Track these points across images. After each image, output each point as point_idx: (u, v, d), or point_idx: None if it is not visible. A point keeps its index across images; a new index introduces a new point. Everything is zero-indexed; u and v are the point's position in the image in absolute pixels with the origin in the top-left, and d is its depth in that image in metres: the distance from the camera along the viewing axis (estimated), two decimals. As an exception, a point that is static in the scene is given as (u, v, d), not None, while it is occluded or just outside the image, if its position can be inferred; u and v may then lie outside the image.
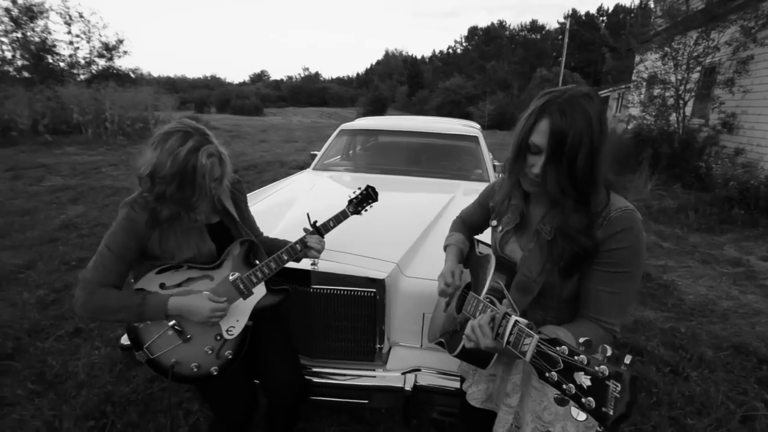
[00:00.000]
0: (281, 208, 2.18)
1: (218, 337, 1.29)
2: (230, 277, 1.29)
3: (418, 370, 1.58)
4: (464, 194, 2.62)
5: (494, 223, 1.18)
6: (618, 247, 0.90)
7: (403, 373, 1.57)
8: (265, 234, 1.61)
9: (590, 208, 0.91)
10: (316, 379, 1.59)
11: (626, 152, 7.98)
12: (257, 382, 1.51)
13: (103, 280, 1.17)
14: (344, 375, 1.60)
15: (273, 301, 1.37)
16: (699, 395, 2.21)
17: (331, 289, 1.59)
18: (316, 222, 1.49)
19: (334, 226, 1.53)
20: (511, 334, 0.80)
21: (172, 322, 1.22)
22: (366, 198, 1.63)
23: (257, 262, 1.35)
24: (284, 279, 1.50)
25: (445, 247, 1.32)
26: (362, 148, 4.09)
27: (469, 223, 1.37)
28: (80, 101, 12.27)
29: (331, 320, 1.63)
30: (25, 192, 6.14)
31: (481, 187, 2.82)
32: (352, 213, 1.59)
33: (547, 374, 0.70)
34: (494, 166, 3.22)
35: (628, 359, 0.63)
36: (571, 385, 0.65)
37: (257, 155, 10.57)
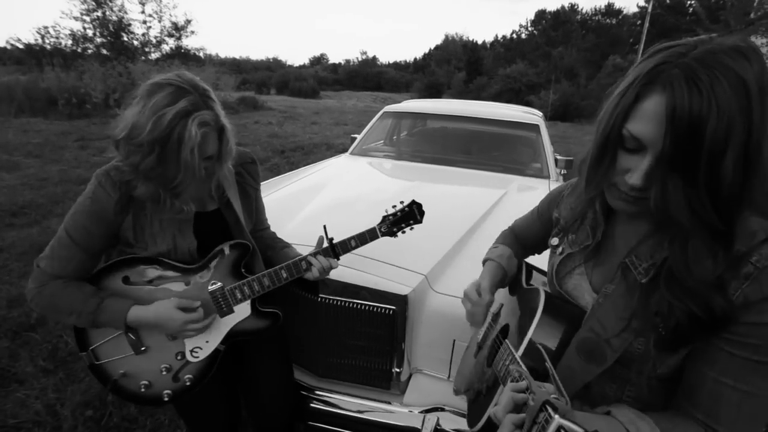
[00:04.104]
0: (302, 199, 1.93)
1: (179, 357, 1.06)
2: (209, 287, 1.04)
3: (442, 409, 1.28)
4: (518, 191, 2.25)
5: (555, 241, 0.82)
6: None
7: (423, 412, 1.27)
8: (272, 228, 1.36)
9: (733, 246, 0.54)
10: (317, 405, 1.34)
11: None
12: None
13: (58, 271, 0.96)
14: (351, 403, 1.34)
15: (256, 326, 1.12)
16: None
17: (342, 301, 1.32)
18: (332, 239, 1.18)
19: (356, 246, 1.21)
20: None
21: None
22: (406, 217, 1.26)
23: (245, 273, 1.09)
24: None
25: (484, 262, 0.99)
26: (408, 133, 3.77)
27: (522, 239, 1.02)
28: (148, 78, 12.85)
29: (340, 336, 1.36)
30: (87, 162, 6.46)
31: (538, 183, 2.49)
32: (384, 234, 1.24)
33: None
34: (556, 161, 2.80)
35: None
36: None
37: (306, 137, 10.53)
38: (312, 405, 1.34)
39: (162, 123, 0.85)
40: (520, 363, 0.62)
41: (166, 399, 1.07)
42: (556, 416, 0.46)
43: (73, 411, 1.73)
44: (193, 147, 0.88)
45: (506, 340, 0.73)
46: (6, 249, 3.25)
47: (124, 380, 1.05)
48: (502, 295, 0.98)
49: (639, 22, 33.58)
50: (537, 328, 0.69)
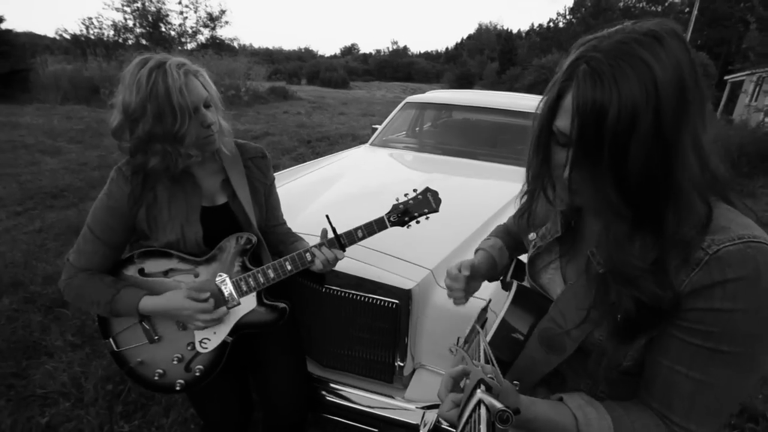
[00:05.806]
0: (317, 189, 1.94)
1: (190, 347, 1.09)
2: (216, 279, 1.06)
3: (443, 406, 1.26)
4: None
5: (532, 236, 0.81)
6: (725, 307, 0.51)
7: (422, 408, 1.26)
8: (285, 217, 1.36)
9: (665, 231, 0.52)
10: (323, 394, 1.35)
11: (760, 150, 6.53)
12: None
13: (84, 264, 1.03)
14: (353, 394, 1.34)
15: (263, 319, 1.13)
16: None
17: (346, 292, 1.31)
18: (336, 229, 1.14)
19: (363, 237, 1.14)
20: (469, 418, 0.47)
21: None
22: (419, 206, 1.16)
23: (251, 266, 1.11)
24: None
25: (476, 252, 0.98)
26: (432, 124, 3.71)
27: (514, 234, 1.00)
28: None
29: (344, 328, 1.37)
30: (123, 148, 6.75)
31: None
32: (394, 224, 1.15)
33: None
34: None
35: None
36: None
37: (333, 127, 10.59)
38: (322, 393, 1.36)
39: (142, 81, 0.90)
40: (480, 351, 0.63)
41: (178, 388, 1.10)
42: (478, 391, 0.47)
43: (95, 385, 1.83)
44: (180, 87, 0.92)
45: (481, 330, 0.74)
46: (45, 229, 3.45)
47: (141, 368, 1.10)
48: (491, 291, 0.96)
49: (687, 9, 31.56)
50: (504, 319, 0.71)
